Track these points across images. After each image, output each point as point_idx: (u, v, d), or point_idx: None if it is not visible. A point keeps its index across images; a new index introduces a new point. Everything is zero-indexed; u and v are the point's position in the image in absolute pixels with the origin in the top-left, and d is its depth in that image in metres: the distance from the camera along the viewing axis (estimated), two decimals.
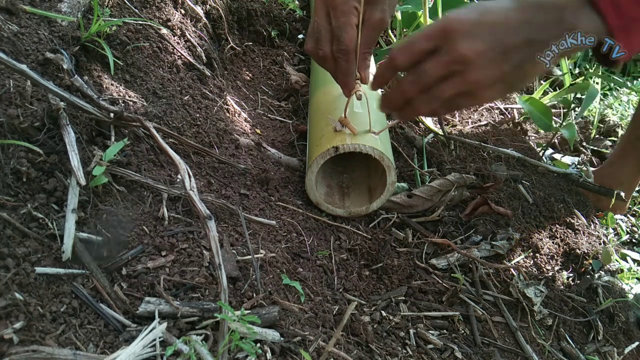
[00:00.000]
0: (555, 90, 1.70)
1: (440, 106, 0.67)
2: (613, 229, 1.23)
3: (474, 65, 0.63)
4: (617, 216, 1.28)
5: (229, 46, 1.30)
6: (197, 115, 0.92)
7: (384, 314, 0.79)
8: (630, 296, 1.05)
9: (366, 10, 0.79)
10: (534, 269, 1.00)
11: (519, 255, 1.00)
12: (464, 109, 0.79)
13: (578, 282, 1.02)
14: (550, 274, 1.00)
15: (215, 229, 0.61)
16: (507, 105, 1.51)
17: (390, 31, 1.54)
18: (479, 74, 0.64)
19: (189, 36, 1.09)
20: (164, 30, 1.00)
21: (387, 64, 0.69)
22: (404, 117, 0.73)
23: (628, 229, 1.28)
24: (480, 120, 1.41)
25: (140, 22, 0.93)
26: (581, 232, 1.12)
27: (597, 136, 1.61)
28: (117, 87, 0.79)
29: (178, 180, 0.74)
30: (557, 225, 1.11)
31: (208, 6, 1.24)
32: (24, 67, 0.60)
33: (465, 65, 0.63)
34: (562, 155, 1.43)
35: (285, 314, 0.65)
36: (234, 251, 0.68)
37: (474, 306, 0.87)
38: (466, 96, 0.67)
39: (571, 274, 1.03)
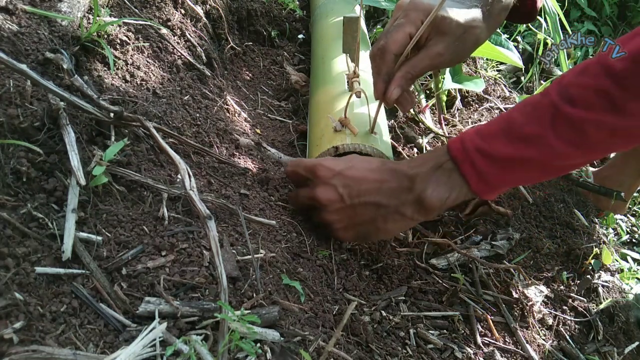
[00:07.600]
0: None
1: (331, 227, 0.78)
2: (613, 229, 1.23)
3: (325, 208, 0.74)
4: (617, 216, 1.28)
5: (229, 46, 1.30)
6: (197, 115, 0.92)
7: (384, 314, 0.79)
8: (630, 296, 1.05)
9: (432, 37, 0.74)
10: (534, 269, 1.00)
11: (519, 255, 1.00)
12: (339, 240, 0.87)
13: (578, 282, 1.02)
14: (550, 274, 1.00)
15: (215, 229, 0.61)
16: (507, 105, 1.51)
17: None
18: (329, 216, 0.76)
19: (189, 36, 1.09)
20: (164, 30, 1.00)
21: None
22: None
23: (628, 229, 1.28)
24: (480, 121, 1.41)
25: (140, 22, 0.93)
26: (581, 232, 1.12)
27: None
28: (117, 87, 0.79)
29: (178, 180, 0.74)
30: (557, 225, 1.11)
31: (208, 6, 1.24)
32: (24, 67, 0.60)
33: (319, 205, 0.75)
34: None
35: (285, 314, 0.64)
36: (234, 251, 0.68)
37: (474, 306, 0.87)
38: (330, 229, 0.78)
39: (571, 274, 1.03)
